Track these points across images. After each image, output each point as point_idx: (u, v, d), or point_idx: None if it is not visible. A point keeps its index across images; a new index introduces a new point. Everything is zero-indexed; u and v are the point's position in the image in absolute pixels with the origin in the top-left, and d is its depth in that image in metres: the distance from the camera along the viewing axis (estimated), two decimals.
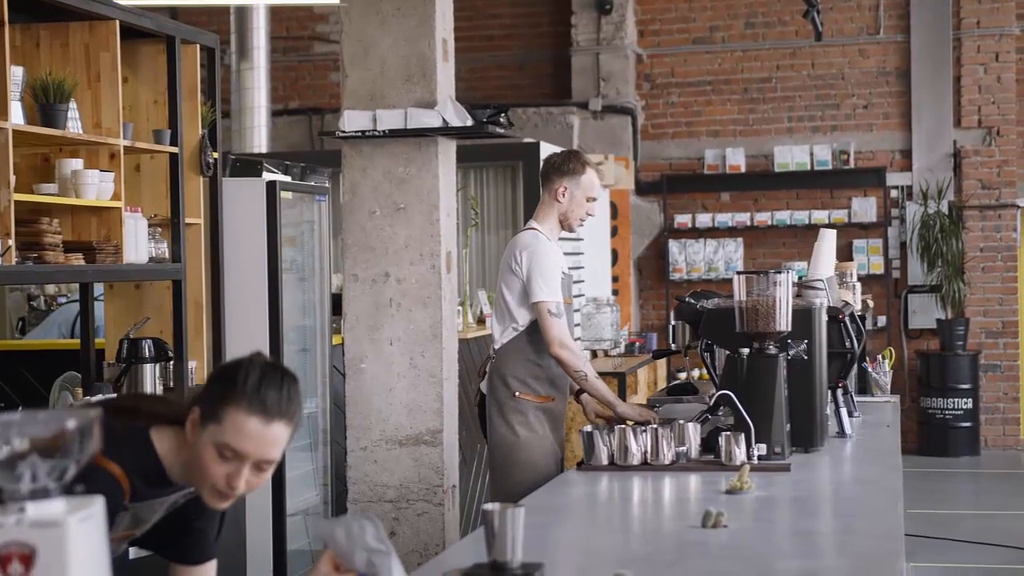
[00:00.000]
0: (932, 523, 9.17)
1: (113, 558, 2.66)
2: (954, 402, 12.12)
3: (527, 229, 5.30)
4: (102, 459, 2.55)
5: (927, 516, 9.46)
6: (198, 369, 5.73)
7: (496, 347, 5.26)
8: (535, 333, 5.12)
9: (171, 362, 5.45)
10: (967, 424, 12.15)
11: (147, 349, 5.31)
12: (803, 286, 5.05)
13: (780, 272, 4.37)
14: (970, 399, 12.13)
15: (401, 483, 5.72)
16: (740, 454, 4.14)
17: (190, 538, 2.86)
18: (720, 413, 4.42)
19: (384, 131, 5.68)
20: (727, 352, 4.52)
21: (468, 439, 7.09)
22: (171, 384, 5.49)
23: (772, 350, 4.37)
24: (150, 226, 5.39)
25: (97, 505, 1.76)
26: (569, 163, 5.26)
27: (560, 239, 5.90)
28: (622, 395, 8.77)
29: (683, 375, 12.13)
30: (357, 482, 5.75)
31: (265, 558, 6.22)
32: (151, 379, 5.31)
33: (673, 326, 5.10)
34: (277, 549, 6.25)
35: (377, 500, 5.73)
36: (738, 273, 4.43)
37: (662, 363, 10.94)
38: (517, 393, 5.15)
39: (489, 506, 2.70)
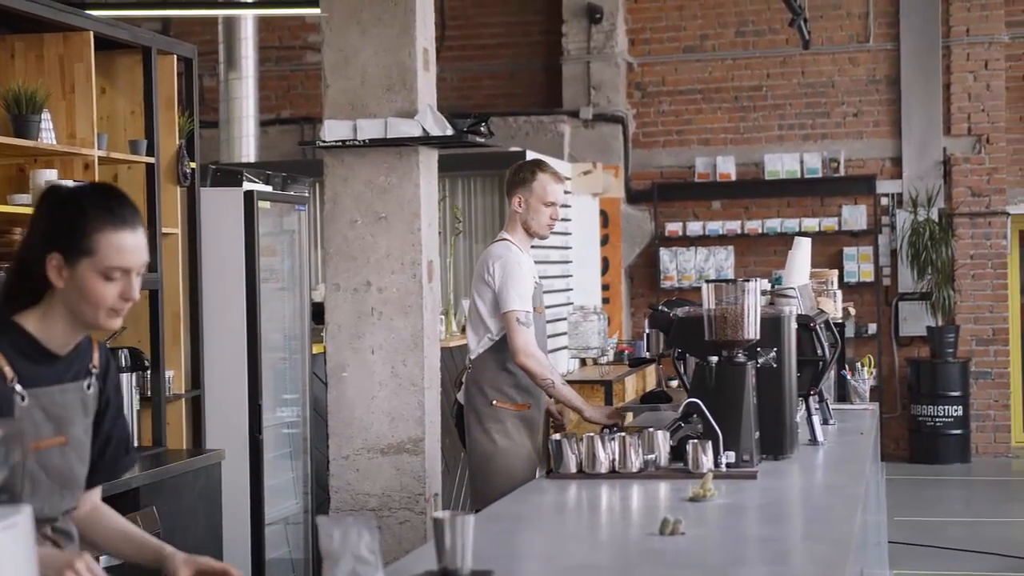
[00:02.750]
0: (920, 530, 9.18)
1: (47, 469, 2.62)
2: (944, 409, 12.12)
3: (498, 240, 5.40)
4: None
5: (916, 523, 9.46)
6: (175, 379, 5.74)
7: (472, 357, 5.35)
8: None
9: (148, 371, 5.47)
10: (958, 431, 12.16)
11: (123, 358, 5.32)
12: (775, 294, 5.06)
13: (749, 280, 4.39)
14: (961, 406, 12.14)
15: (383, 491, 5.73)
16: (707, 462, 4.15)
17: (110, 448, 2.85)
18: (691, 421, 4.43)
19: (364, 140, 5.70)
20: (697, 360, 4.53)
21: (450, 447, 7.10)
22: (148, 394, 5.50)
23: (741, 358, 4.38)
24: None
25: (24, 514, 1.78)
26: (519, 173, 5.39)
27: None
28: (608, 403, 8.78)
29: (675, 383, 12.14)
30: (339, 491, 5.76)
31: (243, 567, 6.23)
32: (128, 388, 5.32)
33: (647, 334, 5.13)
34: (255, 558, 6.27)
35: (359, 508, 5.75)
36: (707, 281, 4.45)
37: (651, 371, 10.95)
38: (494, 402, 5.24)
39: (438, 514, 2.72)
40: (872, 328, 12.45)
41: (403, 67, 5.78)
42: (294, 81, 13.67)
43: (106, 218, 2.64)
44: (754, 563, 3.09)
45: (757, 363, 4.44)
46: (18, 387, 2.62)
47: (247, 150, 10.51)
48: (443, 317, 7.82)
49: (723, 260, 12.74)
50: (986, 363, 12.49)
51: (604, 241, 12.24)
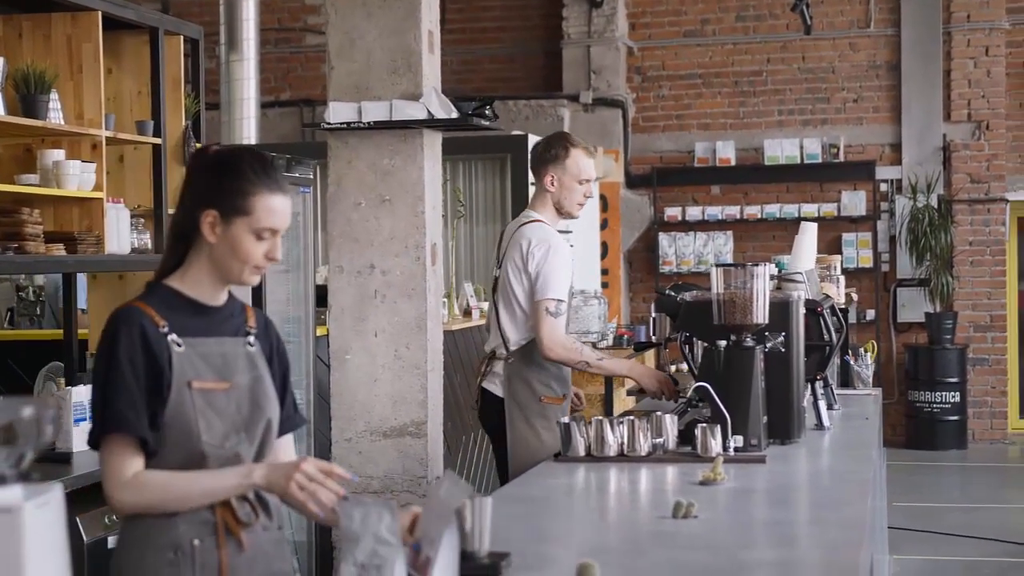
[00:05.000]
0: (918, 516, 9.20)
1: (215, 410, 2.80)
2: (942, 395, 12.15)
3: (532, 221, 5.14)
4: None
5: (913, 509, 9.49)
6: None
7: (511, 347, 5.10)
8: None
9: None
10: (955, 417, 12.19)
11: None
12: (783, 279, 5.06)
13: (758, 265, 4.39)
14: (958, 393, 12.17)
15: (386, 474, 5.73)
16: (716, 446, 4.16)
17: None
18: (699, 405, 4.44)
19: (369, 123, 5.69)
20: (705, 344, 4.54)
21: (453, 431, 7.11)
22: None
23: (749, 342, 4.38)
24: (133, 217, 5.40)
25: (55, 492, 1.78)
26: (551, 149, 5.13)
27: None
28: (609, 387, 8.76)
29: (673, 367, 12.16)
30: None
31: None
32: None
33: (654, 318, 5.12)
34: None
35: (362, 491, 5.75)
36: (716, 265, 4.44)
37: (651, 355, 10.96)
38: (543, 398, 5.05)
39: None
40: (870, 314, 12.47)
41: (408, 50, 5.77)
42: (293, 63, 13.64)
43: (264, 181, 2.80)
44: (769, 546, 3.10)
45: (765, 347, 4.44)
46: (172, 335, 2.78)
47: (248, 132, 10.43)
48: (445, 301, 7.81)
49: (722, 245, 12.75)
50: (984, 350, 12.52)
51: (603, 225, 12.24)
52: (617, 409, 8.90)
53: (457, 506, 2.60)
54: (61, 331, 5.71)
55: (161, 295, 2.83)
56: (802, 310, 4.66)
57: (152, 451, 2.76)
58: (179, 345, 2.78)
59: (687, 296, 4.79)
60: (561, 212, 5.16)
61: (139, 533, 2.79)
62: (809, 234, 5.48)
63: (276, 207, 2.80)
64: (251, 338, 2.91)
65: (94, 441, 2.79)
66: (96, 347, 2.80)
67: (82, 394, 5.02)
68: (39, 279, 8.26)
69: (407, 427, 5.78)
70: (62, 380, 5.34)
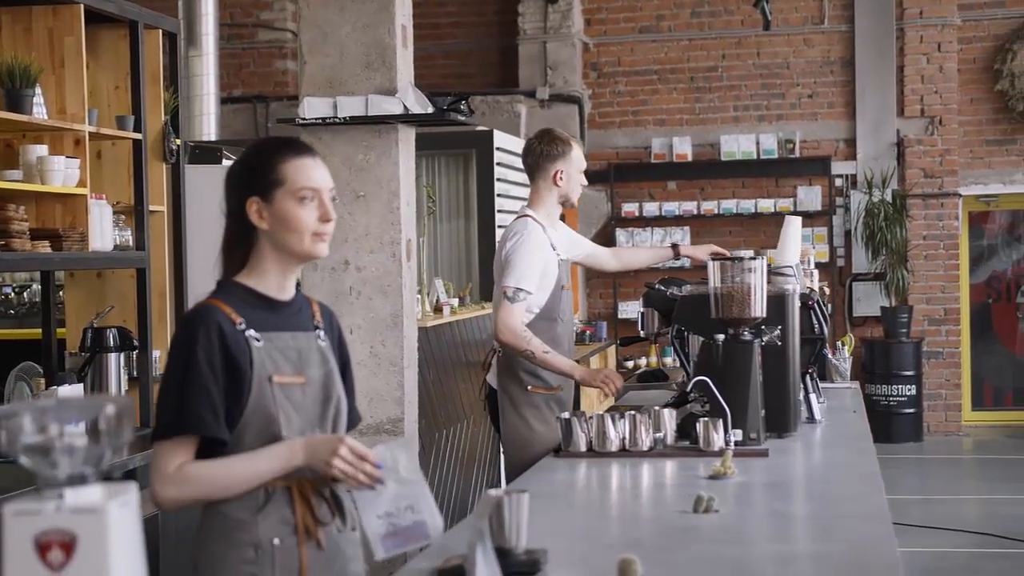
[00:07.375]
0: None
1: (294, 405, 2.79)
2: (898, 389, 12.26)
3: (520, 217, 5.23)
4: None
5: None
6: (162, 358, 5.65)
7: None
8: (541, 323, 5.05)
9: (135, 351, 5.38)
10: (911, 410, 12.30)
11: (111, 338, 5.24)
12: (773, 273, 5.06)
13: (755, 258, 4.38)
14: (913, 386, 12.28)
15: None
16: (718, 440, 4.16)
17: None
18: (695, 399, 4.43)
19: (345, 118, 5.64)
20: (702, 339, 4.53)
21: (426, 428, 7.07)
22: (135, 374, 5.42)
23: (747, 336, 4.38)
24: (114, 213, 5.32)
25: (132, 492, 1.74)
26: (556, 146, 5.22)
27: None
28: (576, 384, 8.73)
29: (630, 363, 12.18)
30: None
31: None
32: (115, 368, 5.24)
33: (642, 313, 5.09)
34: None
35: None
36: (713, 259, 4.44)
37: (612, 351, 10.98)
38: (529, 387, 5.11)
39: (494, 492, 2.69)
40: (827, 308, 12.54)
41: (382, 44, 5.74)
42: (246, 59, 13.51)
43: (285, 150, 2.83)
44: (800, 539, 3.09)
45: (763, 341, 4.43)
46: (250, 331, 2.78)
47: (208, 128, 10.36)
48: (418, 297, 7.77)
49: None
50: (938, 343, 12.64)
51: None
52: (583, 406, 8.89)
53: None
54: (38, 330, 5.61)
55: (234, 292, 2.83)
56: (797, 303, 4.67)
57: (225, 448, 2.74)
58: (258, 340, 2.78)
59: (678, 290, 4.79)
60: (565, 204, 5.28)
61: (219, 529, 2.77)
62: (794, 227, 5.49)
63: (306, 167, 2.81)
64: (321, 332, 2.90)
65: (159, 437, 2.76)
66: (171, 342, 2.75)
67: (67, 394, 4.95)
68: None
69: (383, 424, 5.75)
70: (41, 380, 5.24)
